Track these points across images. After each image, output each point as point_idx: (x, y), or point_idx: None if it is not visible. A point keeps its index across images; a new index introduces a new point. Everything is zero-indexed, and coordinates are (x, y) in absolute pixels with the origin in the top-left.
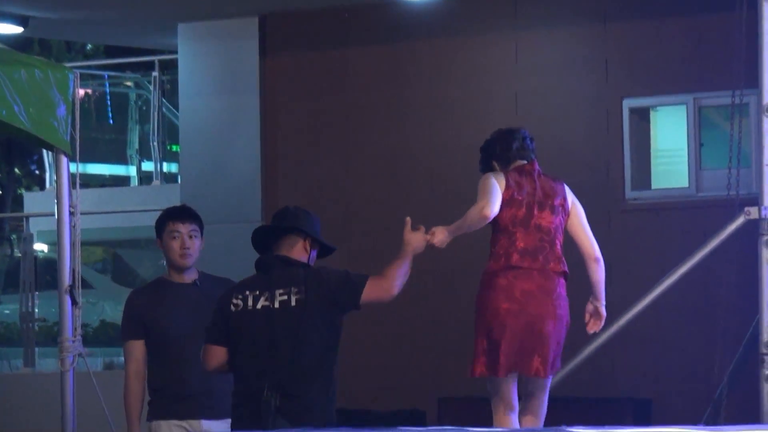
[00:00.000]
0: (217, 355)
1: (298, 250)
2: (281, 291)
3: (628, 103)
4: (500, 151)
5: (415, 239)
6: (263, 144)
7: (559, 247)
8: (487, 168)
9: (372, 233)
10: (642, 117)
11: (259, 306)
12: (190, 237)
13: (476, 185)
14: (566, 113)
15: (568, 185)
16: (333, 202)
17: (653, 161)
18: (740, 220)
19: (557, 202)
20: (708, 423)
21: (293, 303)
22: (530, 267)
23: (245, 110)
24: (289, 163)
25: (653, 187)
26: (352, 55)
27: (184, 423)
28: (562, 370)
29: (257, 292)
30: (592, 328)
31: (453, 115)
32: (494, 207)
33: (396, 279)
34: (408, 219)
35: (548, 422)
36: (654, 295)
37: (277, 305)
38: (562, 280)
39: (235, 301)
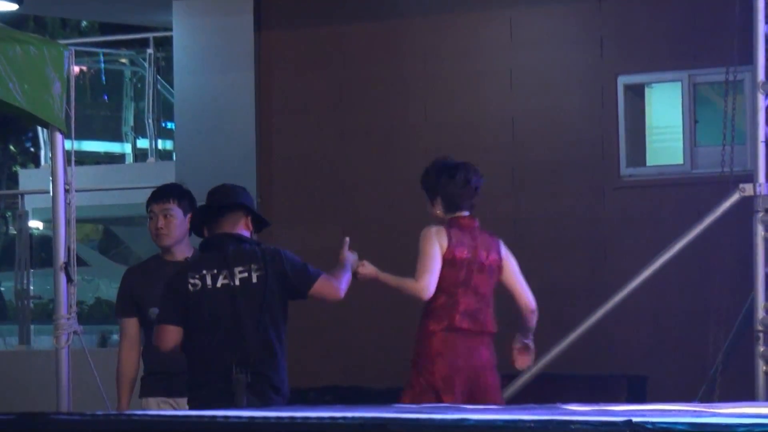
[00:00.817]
0: (173, 335)
1: (242, 228)
2: (241, 268)
3: (622, 80)
4: (450, 195)
5: (351, 258)
6: (258, 121)
7: (491, 307)
8: (431, 191)
9: (366, 210)
10: (637, 94)
11: (219, 284)
12: (165, 216)
13: (480, 162)
14: (561, 90)
15: (563, 163)
16: (327, 179)
17: (648, 138)
18: (735, 197)
19: (493, 261)
20: (703, 400)
21: (254, 279)
22: (470, 328)
23: (240, 87)
24: (284, 139)
25: (648, 164)
26: (348, 32)
27: (171, 400)
28: (557, 347)
29: (215, 271)
30: (523, 363)
31: (448, 91)
32: (432, 289)
33: (343, 284)
34: (347, 239)
35: (543, 399)
36: (649, 272)
37: (237, 282)
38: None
39: (192, 281)
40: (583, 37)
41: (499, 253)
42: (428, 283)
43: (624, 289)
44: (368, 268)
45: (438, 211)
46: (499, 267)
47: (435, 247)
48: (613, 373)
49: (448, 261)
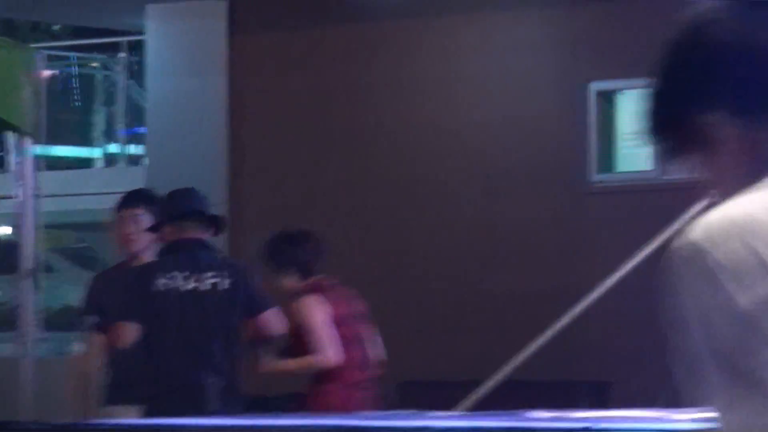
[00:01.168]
0: (133, 333)
1: (207, 235)
2: (211, 274)
3: (595, 87)
4: (304, 263)
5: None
6: (230, 126)
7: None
8: (282, 264)
9: (339, 215)
10: (607, 100)
11: (189, 287)
12: (135, 222)
13: (453, 166)
14: (533, 95)
15: (534, 168)
16: (301, 184)
17: (618, 144)
18: (705, 203)
19: (361, 308)
20: (666, 406)
21: (225, 286)
22: (362, 379)
23: (213, 92)
24: (257, 144)
25: (618, 170)
26: (322, 36)
27: (135, 409)
28: (523, 353)
29: (187, 273)
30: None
31: (422, 95)
32: (340, 354)
33: (286, 327)
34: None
35: (508, 406)
36: (616, 278)
37: (207, 287)
38: None
39: (161, 280)
40: (556, 43)
41: (357, 298)
42: (334, 351)
43: (590, 294)
44: (268, 364)
45: (290, 282)
46: (365, 315)
47: (322, 315)
48: (578, 380)
49: (335, 324)
